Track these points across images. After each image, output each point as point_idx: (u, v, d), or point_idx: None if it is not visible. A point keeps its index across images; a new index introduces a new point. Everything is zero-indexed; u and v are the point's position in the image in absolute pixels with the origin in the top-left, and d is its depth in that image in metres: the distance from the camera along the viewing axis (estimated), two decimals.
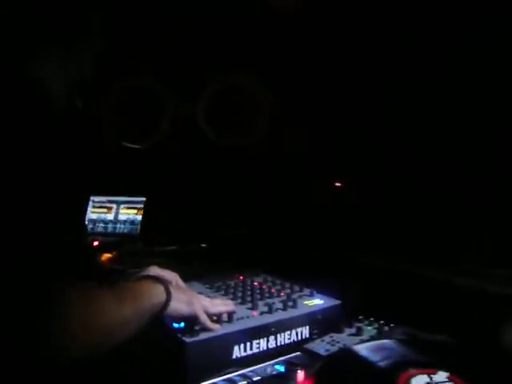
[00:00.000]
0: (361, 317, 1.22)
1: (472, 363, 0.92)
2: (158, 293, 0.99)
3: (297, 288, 1.36)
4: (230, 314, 1.13)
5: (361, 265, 1.47)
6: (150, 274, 1.13)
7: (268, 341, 1.12)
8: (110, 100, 2.10)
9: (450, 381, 0.87)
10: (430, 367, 0.90)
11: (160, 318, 1.00)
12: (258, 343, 1.10)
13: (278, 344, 1.14)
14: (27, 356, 0.70)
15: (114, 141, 2.10)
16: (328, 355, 1.01)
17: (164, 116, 2.09)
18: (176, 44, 2.01)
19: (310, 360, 1.03)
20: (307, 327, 1.19)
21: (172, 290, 1.02)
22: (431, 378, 0.87)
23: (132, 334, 0.90)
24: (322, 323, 1.20)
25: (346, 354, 0.97)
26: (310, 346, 1.11)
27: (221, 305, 1.14)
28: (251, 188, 1.94)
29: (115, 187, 2.24)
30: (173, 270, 1.25)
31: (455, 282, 1.26)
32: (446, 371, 0.89)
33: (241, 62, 2.01)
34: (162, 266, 1.23)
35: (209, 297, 1.20)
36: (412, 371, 0.89)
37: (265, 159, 1.94)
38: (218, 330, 1.06)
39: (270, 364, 1.06)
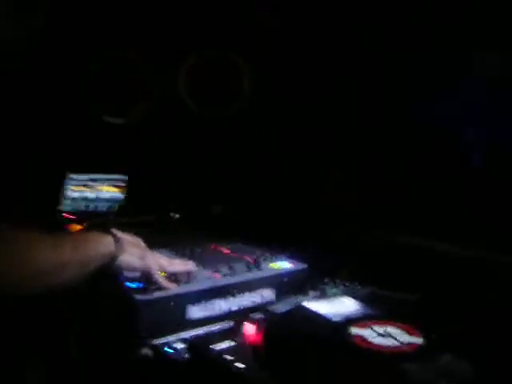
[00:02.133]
0: (326, 279, 1.18)
1: (427, 316, 0.88)
2: (105, 243, 0.96)
3: (264, 252, 1.32)
4: (189, 275, 1.09)
5: (333, 232, 1.43)
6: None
7: (228, 302, 1.08)
8: (89, 74, 2.06)
9: (405, 331, 0.83)
10: (383, 319, 0.86)
11: (111, 269, 0.97)
12: (218, 304, 1.07)
13: (241, 306, 1.10)
14: None
15: (95, 116, 2.06)
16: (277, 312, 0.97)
17: (143, 90, 2.05)
18: (153, 17, 1.97)
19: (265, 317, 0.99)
20: (272, 290, 1.15)
21: (124, 243, 0.99)
22: (386, 330, 0.84)
23: (73, 280, 0.88)
24: (287, 286, 1.16)
25: (299, 309, 0.93)
26: (273, 307, 1.08)
27: (179, 264, 1.11)
28: (228, 162, 1.90)
29: (96, 165, 2.21)
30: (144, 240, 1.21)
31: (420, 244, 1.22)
32: (402, 323, 0.85)
33: (219, 34, 1.97)
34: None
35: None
36: (365, 322, 0.85)
37: (241, 132, 1.90)
38: (173, 289, 1.02)
39: (226, 323, 1.03)
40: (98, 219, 1.81)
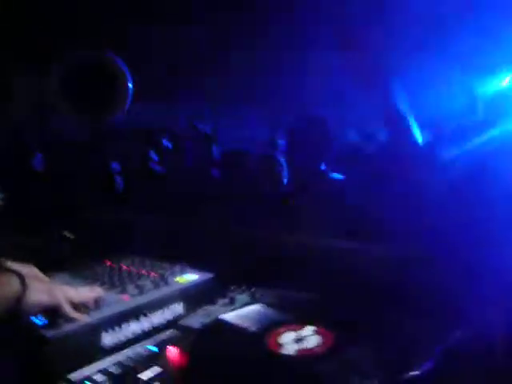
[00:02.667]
0: (233, 286, 1.24)
1: (335, 315, 0.98)
2: (10, 284, 0.90)
3: (167, 266, 1.33)
4: (98, 301, 1.07)
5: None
6: None
7: (141, 323, 1.08)
8: None
9: (316, 333, 0.92)
10: (296, 324, 0.94)
11: (18, 311, 0.91)
12: (130, 327, 1.06)
13: (153, 325, 1.11)
14: None
15: None
16: (200, 328, 1.01)
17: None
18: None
19: (184, 335, 1.02)
20: (181, 303, 1.18)
21: (28, 280, 0.93)
22: (299, 334, 0.92)
23: None
24: (195, 298, 1.20)
25: (217, 324, 0.98)
26: (185, 321, 1.11)
27: (86, 291, 1.07)
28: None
29: None
30: (30, 263, 1.14)
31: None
32: (312, 325, 0.94)
33: None
34: (16, 261, 1.12)
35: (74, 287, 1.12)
36: (279, 330, 0.92)
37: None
38: (83, 318, 0.99)
39: (141, 345, 1.04)
40: None
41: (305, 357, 0.85)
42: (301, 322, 0.94)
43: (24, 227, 1.64)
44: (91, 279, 1.27)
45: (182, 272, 1.29)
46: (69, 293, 1.02)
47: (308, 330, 0.93)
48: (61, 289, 1.01)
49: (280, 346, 0.88)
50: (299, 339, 0.89)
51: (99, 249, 1.55)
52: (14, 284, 0.91)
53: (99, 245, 1.57)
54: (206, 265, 1.31)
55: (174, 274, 1.27)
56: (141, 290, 1.14)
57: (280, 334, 0.91)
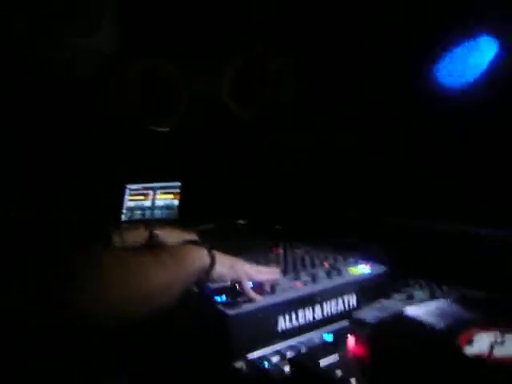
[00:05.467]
0: (411, 281, 1.15)
1: None
2: (201, 256, 0.96)
3: (340, 257, 1.31)
4: (273, 285, 1.08)
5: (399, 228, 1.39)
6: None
7: (314, 311, 1.07)
8: (127, 82, 2.06)
9: None
10: (491, 325, 0.83)
11: (204, 282, 0.97)
12: (304, 314, 1.06)
13: (325, 314, 1.09)
14: (60, 319, 0.68)
15: (140, 127, 2.08)
16: (378, 321, 0.95)
17: (181, 94, 2.05)
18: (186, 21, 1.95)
19: (358, 328, 0.97)
20: (354, 295, 1.14)
21: (215, 254, 0.99)
22: (495, 336, 0.80)
23: (174, 299, 0.87)
24: (369, 290, 1.14)
25: (399, 318, 0.91)
26: (358, 314, 1.06)
27: (266, 273, 1.10)
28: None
29: (149, 174, 2.24)
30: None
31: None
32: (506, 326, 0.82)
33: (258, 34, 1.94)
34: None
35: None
36: (472, 330, 0.82)
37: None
38: (261, 301, 1.02)
39: (316, 333, 1.02)
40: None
41: (503, 363, 0.74)
42: (494, 324, 0.82)
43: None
44: (264, 265, 1.30)
45: (355, 264, 1.25)
46: (250, 271, 1.05)
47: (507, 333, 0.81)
48: (243, 265, 1.05)
49: (472, 347, 0.78)
50: (496, 343, 0.78)
51: (272, 235, 1.60)
52: (206, 257, 0.97)
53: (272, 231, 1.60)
54: (378, 257, 1.25)
55: (347, 265, 1.23)
56: (314, 279, 1.13)
57: (472, 334, 0.81)
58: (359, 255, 1.30)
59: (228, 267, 1.01)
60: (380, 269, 1.21)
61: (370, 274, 1.18)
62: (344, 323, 1.05)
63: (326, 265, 1.25)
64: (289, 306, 1.03)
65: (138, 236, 1.20)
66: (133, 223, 2.12)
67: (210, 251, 0.98)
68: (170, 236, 1.25)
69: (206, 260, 0.96)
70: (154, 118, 2.00)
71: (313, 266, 1.26)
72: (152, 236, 1.21)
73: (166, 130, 2.02)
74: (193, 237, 1.26)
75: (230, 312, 0.97)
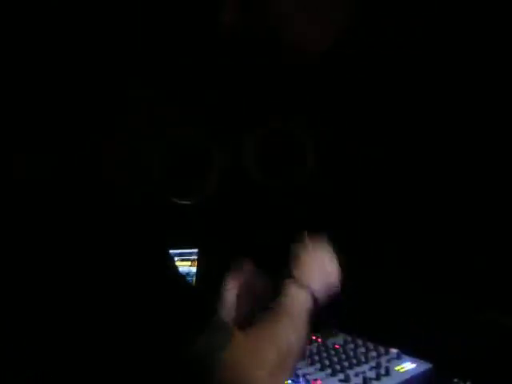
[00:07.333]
0: (455, 379, 1.19)
1: None
2: (305, 299, 0.94)
3: (382, 350, 1.33)
4: None
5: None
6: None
7: None
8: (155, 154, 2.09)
9: None
10: None
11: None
12: None
13: None
14: None
15: (163, 197, 2.09)
16: None
17: (210, 168, 2.08)
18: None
19: None
20: None
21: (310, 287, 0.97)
22: None
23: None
24: None
25: None
26: None
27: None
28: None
29: (167, 241, 2.24)
30: None
31: None
32: None
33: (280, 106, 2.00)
34: None
35: None
36: None
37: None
38: None
39: None
40: None
41: None
42: None
43: None
44: (309, 360, 1.30)
45: (398, 358, 1.28)
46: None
47: None
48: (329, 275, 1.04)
49: None
50: None
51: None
52: (309, 298, 0.95)
53: None
54: (420, 352, 1.28)
55: (391, 362, 1.26)
56: (364, 381, 1.16)
57: None
58: (399, 347, 1.33)
59: (324, 291, 1.00)
60: (425, 365, 1.24)
61: (415, 371, 1.22)
62: None
63: (371, 360, 1.27)
64: None
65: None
66: None
67: (310, 289, 0.96)
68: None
69: (309, 301, 0.94)
70: (180, 191, 2.03)
71: (357, 361, 1.27)
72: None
73: (188, 202, 2.04)
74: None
75: None
